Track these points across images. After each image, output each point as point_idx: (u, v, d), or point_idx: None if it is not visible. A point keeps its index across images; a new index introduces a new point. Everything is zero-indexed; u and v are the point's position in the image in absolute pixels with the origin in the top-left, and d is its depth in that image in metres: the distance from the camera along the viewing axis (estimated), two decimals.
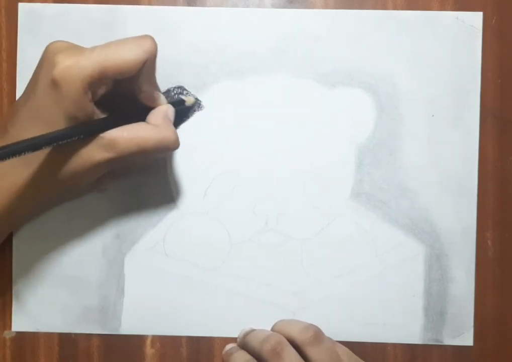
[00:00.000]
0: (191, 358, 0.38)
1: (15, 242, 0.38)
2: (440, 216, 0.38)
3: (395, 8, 0.38)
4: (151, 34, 0.31)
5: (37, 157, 0.31)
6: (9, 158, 0.27)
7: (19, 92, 0.38)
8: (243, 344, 0.36)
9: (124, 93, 0.32)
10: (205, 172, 0.38)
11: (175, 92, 0.38)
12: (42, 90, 0.29)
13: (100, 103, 0.32)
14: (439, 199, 0.38)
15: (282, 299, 0.38)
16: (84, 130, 0.30)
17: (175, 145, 0.32)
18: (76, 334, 0.38)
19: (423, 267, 0.38)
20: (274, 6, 0.38)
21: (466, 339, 0.38)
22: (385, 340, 0.38)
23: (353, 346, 0.38)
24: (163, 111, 0.33)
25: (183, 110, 0.36)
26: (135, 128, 0.31)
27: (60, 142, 0.29)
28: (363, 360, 0.37)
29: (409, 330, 0.38)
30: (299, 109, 0.38)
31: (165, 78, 0.38)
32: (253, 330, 0.37)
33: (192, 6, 0.38)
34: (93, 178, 0.33)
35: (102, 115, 0.32)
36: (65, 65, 0.28)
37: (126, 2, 0.38)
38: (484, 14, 0.37)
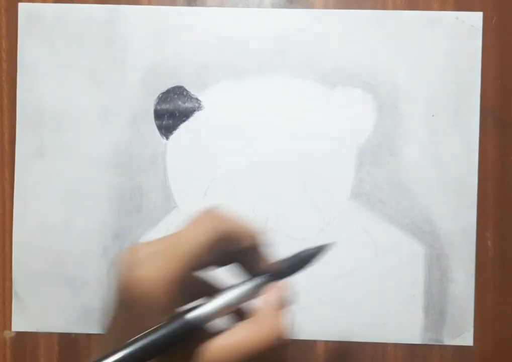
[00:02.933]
0: None
1: (15, 242, 0.38)
2: (440, 216, 0.38)
3: (395, 8, 0.38)
4: (210, 212, 0.27)
5: None
6: None
7: (19, 92, 0.38)
8: None
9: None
10: (205, 172, 0.38)
11: (175, 92, 0.38)
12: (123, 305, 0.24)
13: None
14: (439, 199, 0.38)
15: None
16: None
17: (281, 342, 0.25)
18: (76, 334, 0.38)
19: (423, 267, 0.38)
20: (274, 6, 0.38)
21: (467, 339, 0.38)
22: (384, 340, 0.38)
23: (353, 346, 0.38)
24: (270, 298, 0.26)
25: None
26: (233, 333, 0.25)
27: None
28: (363, 360, 0.37)
29: (409, 330, 0.38)
30: (299, 109, 0.38)
31: (165, 78, 0.38)
32: None
33: (192, 6, 0.38)
34: None
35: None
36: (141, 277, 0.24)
37: (126, 2, 0.38)
38: (484, 14, 0.37)
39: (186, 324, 0.24)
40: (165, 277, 0.24)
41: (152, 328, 0.23)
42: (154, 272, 0.24)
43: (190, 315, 0.24)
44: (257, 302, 0.26)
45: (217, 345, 0.25)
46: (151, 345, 0.23)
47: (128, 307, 0.24)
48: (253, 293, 0.26)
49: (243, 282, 0.26)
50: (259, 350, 0.25)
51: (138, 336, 0.23)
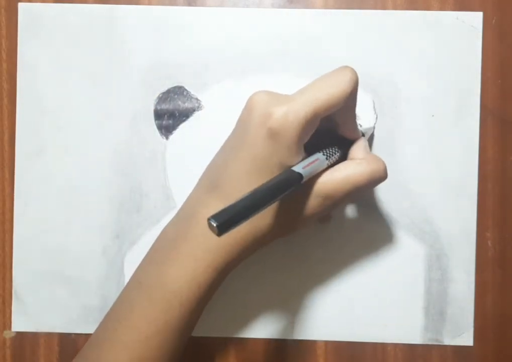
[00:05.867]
0: (191, 358, 0.38)
1: (15, 241, 0.38)
2: (440, 216, 0.38)
3: (395, 8, 0.38)
4: (349, 67, 0.30)
5: None
6: (234, 225, 0.25)
7: (19, 92, 0.38)
8: None
9: (320, 128, 0.30)
10: None
11: (175, 92, 0.38)
12: (258, 141, 0.28)
13: None
14: (439, 199, 0.38)
15: (282, 299, 0.38)
16: (294, 180, 0.28)
17: (386, 175, 0.31)
18: (76, 334, 0.38)
19: (423, 267, 0.38)
20: (274, 6, 0.38)
21: (466, 339, 0.38)
22: (385, 340, 0.38)
23: (353, 346, 0.38)
24: (364, 144, 0.32)
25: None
26: (344, 168, 0.30)
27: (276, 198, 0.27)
28: (363, 360, 0.37)
29: (409, 330, 0.38)
30: None
31: (165, 78, 0.38)
32: None
33: (192, 6, 0.38)
34: (311, 222, 0.32)
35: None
36: (281, 113, 0.28)
37: (126, 2, 0.38)
38: (484, 14, 0.37)
39: (296, 173, 0.28)
40: (306, 115, 0.28)
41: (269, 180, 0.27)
42: (299, 106, 0.28)
43: (299, 166, 0.29)
44: (354, 151, 0.32)
45: (332, 177, 0.30)
46: (270, 190, 0.27)
47: (273, 138, 0.28)
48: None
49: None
50: (366, 184, 0.30)
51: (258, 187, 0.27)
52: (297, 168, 0.28)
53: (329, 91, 0.28)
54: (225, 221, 0.24)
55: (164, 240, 0.32)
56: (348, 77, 0.29)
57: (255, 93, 0.29)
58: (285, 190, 0.27)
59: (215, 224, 0.24)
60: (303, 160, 0.29)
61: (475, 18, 0.37)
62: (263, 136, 0.28)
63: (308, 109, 0.28)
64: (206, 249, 0.29)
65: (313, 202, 0.30)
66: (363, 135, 0.35)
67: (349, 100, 0.29)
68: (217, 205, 0.29)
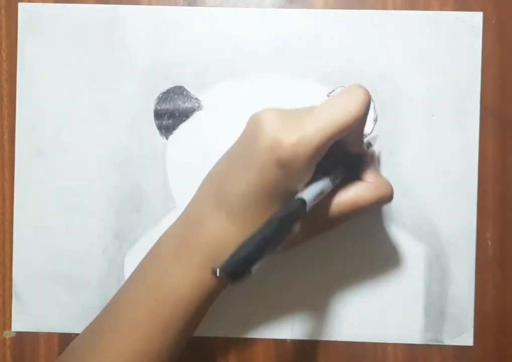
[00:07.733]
0: (191, 358, 0.38)
1: (15, 242, 0.38)
2: (440, 216, 0.38)
3: (395, 8, 0.38)
4: (362, 86, 0.28)
5: None
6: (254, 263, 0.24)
7: (19, 92, 0.38)
8: None
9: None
10: (205, 172, 0.38)
11: (175, 92, 0.38)
12: (267, 168, 0.27)
13: None
14: (439, 199, 0.38)
15: (282, 299, 0.38)
16: (299, 212, 0.27)
17: (391, 199, 0.31)
18: (76, 334, 0.38)
19: (423, 267, 0.38)
20: (274, 6, 0.38)
21: (467, 339, 0.38)
22: (385, 340, 0.38)
23: (353, 346, 0.38)
24: (375, 166, 0.32)
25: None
26: (353, 190, 0.30)
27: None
28: (363, 360, 0.37)
29: (409, 330, 0.38)
30: None
31: (165, 78, 0.38)
32: None
33: (192, 6, 0.38)
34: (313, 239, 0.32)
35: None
36: (291, 144, 0.26)
37: (126, 2, 0.38)
38: (484, 14, 0.37)
39: (299, 202, 0.27)
40: (317, 146, 0.27)
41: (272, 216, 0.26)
42: (311, 135, 0.27)
43: (307, 193, 0.27)
44: (364, 173, 0.32)
45: (340, 199, 0.30)
46: (282, 222, 0.26)
47: (281, 168, 0.27)
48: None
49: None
50: (372, 206, 0.30)
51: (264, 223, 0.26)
52: (304, 195, 0.27)
53: (342, 117, 0.27)
54: (234, 272, 0.24)
55: (169, 243, 0.32)
56: (361, 99, 0.28)
57: (263, 111, 0.28)
58: (292, 224, 0.26)
59: (224, 276, 0.23)
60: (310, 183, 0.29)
61: (475, 18, 0.37)
62: (272, 164, 0.27)
63: (320, 140, 0.27)
64: (213, 260, 0.29)
65: (317, 223, 0.31)
66: (370, 145, 0.35)
67: (361, 121, 0.28)
68: (224, 221, 0.29)
